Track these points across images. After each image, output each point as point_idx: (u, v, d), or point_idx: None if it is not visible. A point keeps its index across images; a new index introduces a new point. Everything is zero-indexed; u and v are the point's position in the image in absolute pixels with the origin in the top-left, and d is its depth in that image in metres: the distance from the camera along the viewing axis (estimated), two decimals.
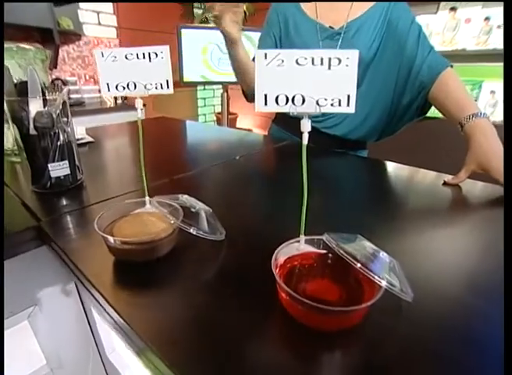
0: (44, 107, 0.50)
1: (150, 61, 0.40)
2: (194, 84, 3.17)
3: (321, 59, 0.27)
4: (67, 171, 0.56)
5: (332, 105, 0.29)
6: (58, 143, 0.53)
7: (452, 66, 0.77)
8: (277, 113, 1.05)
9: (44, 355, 0.55)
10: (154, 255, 0.38)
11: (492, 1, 2.05)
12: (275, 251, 0.32)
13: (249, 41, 2.58)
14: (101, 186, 0.66)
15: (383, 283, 0.27)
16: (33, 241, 0.46)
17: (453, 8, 2.16)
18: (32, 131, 0.50)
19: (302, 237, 0.35)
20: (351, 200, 0.63)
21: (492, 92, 2.08)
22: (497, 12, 2.01)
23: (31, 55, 0.63)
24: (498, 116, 2.11)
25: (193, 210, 0.38)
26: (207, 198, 0.44)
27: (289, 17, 0.89)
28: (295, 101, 0.29)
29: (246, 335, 0.29)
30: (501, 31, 2.02)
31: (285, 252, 0.34)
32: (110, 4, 2.64)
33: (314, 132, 0.90)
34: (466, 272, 0.41)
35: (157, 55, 0.40)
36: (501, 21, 2.01)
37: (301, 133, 0.30)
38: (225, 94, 2.92)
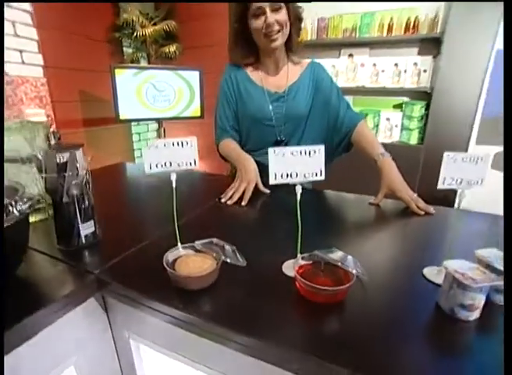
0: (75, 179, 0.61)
1: (182, 147, 0.56)
2: (130, 121, 3.20)
3: (305, 151, 0.49)
4: (92, 228, 0.66)
5: (312, 175, 0.51)
6: (83, 206, 0.64)
7: (365, 118, 1.11)
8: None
9: None
10: (209, 281, 0.54)
11: (377, 49, 2.65)
12: (291, 262, 0.53)
13: (180, 79, 2.78)
14: (116, 236, 0.76)
15: (354, 272, 0.49)
16: (88, 290, 0.56)
17: (350, 55, 2.71)
18: (65, 199, 0.60)
19: (299, 256, 0.56)
20: (318, 226, 0.86)
21: (388, 119, 2.65)
22: (381, 60, 2.61)
23: (35, 129, 0.71)
24: (395, 137, 2.68)
25: (226, 246, 0.55)
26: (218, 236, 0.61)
27: (240, 83, 1.08)
28: (292, 176, 0.50)
29: (277, 310, 0.49)
30: (385, 74, 2.61)
31: (291, 265, 0.54)
32: (34, 42, 2.58)
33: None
34: (393, 260, 0.67)
35: (187, 143, 0.56)
36: (384, 66, 2.60)
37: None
38: (161, 129, 3.03)
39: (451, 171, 0.49)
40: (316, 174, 0.52)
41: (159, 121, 2.96)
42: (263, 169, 1.09)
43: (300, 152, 0.50)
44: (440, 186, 0.50)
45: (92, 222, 0.66)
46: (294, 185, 0.51)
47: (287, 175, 0.50)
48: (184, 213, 0.84)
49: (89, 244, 0.67)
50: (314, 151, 0.50)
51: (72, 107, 2.93)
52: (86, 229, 0.65)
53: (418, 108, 2.48)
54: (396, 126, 2.63)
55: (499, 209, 2.51)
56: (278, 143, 1.09)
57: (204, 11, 3.25)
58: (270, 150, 0.48)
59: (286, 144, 1.09)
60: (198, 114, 2.93)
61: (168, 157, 0.55)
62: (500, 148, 2.48)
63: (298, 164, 0.50)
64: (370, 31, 2.58)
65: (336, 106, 1.08)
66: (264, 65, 1.06)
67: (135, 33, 3.02)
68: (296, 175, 0.51)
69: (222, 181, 1.17)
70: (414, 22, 2.43)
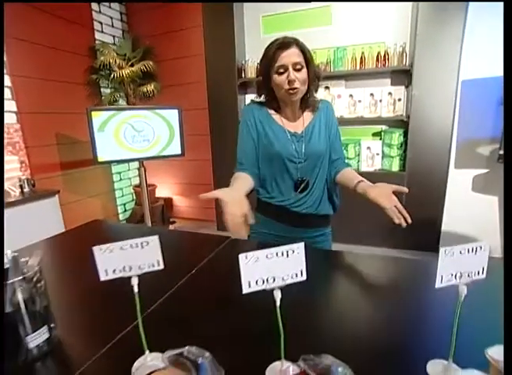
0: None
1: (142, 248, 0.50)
2: (109, 163, 3.12)
3: (282, 252, 0.44)
4: (46, 335, 0.58)
5: (291, 277, 0.45)
6: (34, 310, 0.56)
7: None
8: (259, 203, 1.21)
9: None
10: None
11: (353, 80, 2.71)
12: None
13: (159, 118, 2.76)
14: (80, 335, 0.65)
15: None
16: None
17: (327, 87, 2.77)
18: (8, 309, 0.52)
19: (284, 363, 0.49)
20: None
21: (368, 148, 2.67)
22: (357, 90, 2.67)
23: None
24: (376, 165, 2.69)
25: (200, 360, 0.47)
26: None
27: (265, 123, 1.12)
28: (269, 281, 0.44)
29: None
30: (361, 104, 2.66)
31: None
32: (7, 89, 2.53)
33: (296, 215, 1.14)
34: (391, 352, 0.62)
35: (148, 243, 0.50)
36: (360, 97, 2.66)
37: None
38: (142, 168, 2.96)
39: (449, 267, 0.44)
40: (296, 275, 0.46)
41: (140, 160, 2.90)
42: (281, 213, 1.14)
43: (277, 254, 0.44)
44: (438, 285, 0.45)
45: (46, 327, 0.58)
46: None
47: (263, 281, 0.45)
48: (151, 300, 0.73)
49: (41, 355, 0.56)
50: (293, 251, 0.44)
51: (48, 151, 2.85)
52: (36, 339, 0.56)
53: (397, 136, 2.51)
54: (377, 154, 2.65)
55: (479, 231, 2.52)
56: (299, 183, 1.13)
57: (181, 51, 3.30)
58: (241, 256, 0.43)
59: (306, 185, 1.13)
60: (179, 152, 2.88)
61: (126, 260, 0.49)
62: (478, 171, 2.53)
63: (275, 267, 0.44)
64: (344, 64, 2.66)
65: (339, 149, 1.19)
66: (283, 112, 1.14)
67: (112, 75, 3.02)
68: (274, 279, 0.46)
69: (201, 244, 1.10)
70: (384, 55, 2.51)
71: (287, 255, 0.45)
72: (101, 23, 3.22)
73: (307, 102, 1.12)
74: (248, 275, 0.43)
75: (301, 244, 0.46)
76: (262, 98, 1.15)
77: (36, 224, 2.28)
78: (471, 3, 2.22)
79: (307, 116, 1.15)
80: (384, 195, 0.92)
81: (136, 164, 3.59)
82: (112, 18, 3.34)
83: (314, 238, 1.19)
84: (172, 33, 3.30)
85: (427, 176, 2.52)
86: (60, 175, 2.97)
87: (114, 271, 0.49)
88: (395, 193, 0.92)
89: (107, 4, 3.27)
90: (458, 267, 0.45)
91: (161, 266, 0.52)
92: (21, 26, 2.57)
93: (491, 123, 2.42)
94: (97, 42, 3.15)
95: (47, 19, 2.75)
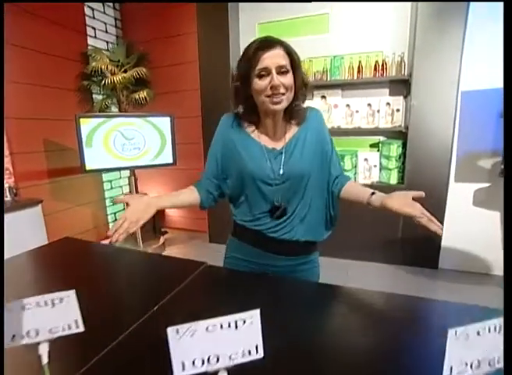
0: None
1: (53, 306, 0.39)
2: (97, 171, 3.02)
3: (229, 323, 0.34)
4: None
5: (242, 356, 0.35)
6: None
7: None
8: (235, 226, 1.07)
9: None
10: None
11: (350, 90, 2.64)
12: None
13: (150, 125, 2.67)
14: None
15: None
16: None
17: (323, 97, 2.69)
18: None
19: None
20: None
21: (366, 160, 2.58)
22: (354, 100, 2.59)
23: None
24: (374, 177, 2.60)
25: None
26: None
27: (237, 139, 0.97)
28: (211, 361, 0.34)
29: None
30: (359, 114, 2.58)
31: None
32: None
33: (273, 242, 0.96)
34: None
35: (62, 300, 0.40)
36: (358, 107, 2.57)
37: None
38: (133, 177, 2.87)
39: (460, 353, 0.32)
40: (250, 352, 0.35)
41: (130, 169, 2.81)
42: (257, 239, 0.99)
43: (222, 326, 0.33)
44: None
45: None
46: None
47: (203, 361, 0.34)
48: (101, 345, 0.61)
49: None
50: (244, 321, 0.34)
51: (35, 158, 2.75)
52: None
53: (395, 148, 2.43)
54: (374, 166, 2.56)
55: (480, 247, 2.40)
56: (274, 209, 0.95)
57: (176, 57, 3.23)
58: (170, 331, 0.32)
59: (283, 212, 0.95)
60: (170, 161, 2.80)
61: (34, 323, 0.39)
62: (479, 185, 2.43)
63: (220, 343, 0.34)
64: (340, 73, 2.58)
65: (336, 166, 1.01)
66: (262, 125, 0.98)
67: (104, 81, 2.94)
68: (218, 359, 0.34)
69: (170, 272, 0.98)
70: (382, 64, 2.44)
71: (236, 327, 0.34)
72: (94, 29, 3.16)
73: (293, 113, 0.95)
74: (181, 354, 0.32)
75: (256, 312, 0.35)
76: (240, 108, 0.99)
77: (16, 236, 2.17)
78: (470, 13, 2.15)
79: (292, 129, 0.98)
80: (408, 204, 0.82)
81: (128, 172, 3.49)
82: (105, 23, 3.28)
83: (296, 267, 1.02)
84: (166, 39, 3.24)
85: (426, 189, 2.36)
86: (47, 183, 2.87)
87: (14, 337, 0.38)
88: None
89: (101, 9, 3.21)
90: (472, 354, 0.33)
91: (81, 328, 0.41)
92: (12, 31, 2.50)
93: (492, 136, 2.33)
94: (89, 48, 3.08)
95: (38, 24, 2.68)
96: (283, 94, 0.86)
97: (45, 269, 1.04)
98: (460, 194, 2.46)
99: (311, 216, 0.99)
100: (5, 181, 2.48)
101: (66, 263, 1.04)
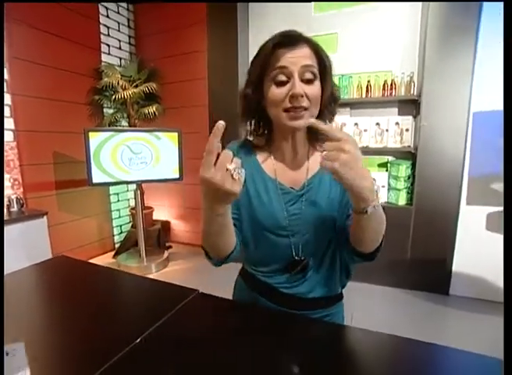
0: None
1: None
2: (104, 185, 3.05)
3: None
4: None
5: None
6: None
7: None
8: (243, 268, 0.90)
9: None
10: None
11: (358, 109, 2.61)
12: None
13: (158, 140, 2.68)
14: None
15: None
16: None
17: None
18: None
19: None
20: None
21: (374, 180, 2.51)
22: (362, 119, 2.56)
23: None
24: (382, 198, 2.53)
25: None
26: None
27: (248, 177, 0.74)
28: None
29: None
30: (367, 134, 2.54)
31: None
32: (7, 107, 2.51)
33: (286, 296, 0.76)
34: None
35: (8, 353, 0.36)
36: (366, 126, 2.54)
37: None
38: (139, 191, 2.88)
39: None
40: None
41: (136, 183, 2.82)
42: (266, 290, 0.80)
43: None
44: None
45: None
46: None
47: None
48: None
49: None
50: None
51: (44, 169, 2.79)
52: None
53: (404, 168, 2.37)
54: (382, 186, 2.51)
55: (493, 272, 2.26)
56: (295, 264, 0.74)
57: (186, 74, 3.29)
58: None
59: (306, 267, 0.75)
60: (177, 176, 2.80)
61: None
62: (492, 209, 2.33)
63: None
64: (349, 92, 2.57)
65: (347, 205, 0.72)
66: (278, 150, 0.75)
67: (115, 96, 3.00)
68: None
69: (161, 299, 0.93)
70: (391, 84, 2.42)
71: None
72: (108, 46, 3.25)
73: (318, 134, 0.72)
74: None
75: None
76: (248, 126, 0.76)
77: (21, 247, 2.18)
78: (480, 33, 2.12)
79: (315, 157, 0.74)
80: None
81: (134, 185, 3.52)
82: (120, 41, 3.37)
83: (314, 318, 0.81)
84: (177, 56, 3.30)
85: (436, 211, 2.34)
86: (55, 194, 2.90)
87: None
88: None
89: (116, 27, 3.31)
90: None
91: None
92: (36, 51, 2.62)
93: None
94: (103, 64, 3.17)
95: (54, 42, 2.77)
96: (306, 109, 0.65)
97: (30, 292, 1.00)
98: (472, 218, 2.37)
99: (333, 270, 0.80)
100: (12, 192, 2.51)
101: (53, 285, 1.01)
